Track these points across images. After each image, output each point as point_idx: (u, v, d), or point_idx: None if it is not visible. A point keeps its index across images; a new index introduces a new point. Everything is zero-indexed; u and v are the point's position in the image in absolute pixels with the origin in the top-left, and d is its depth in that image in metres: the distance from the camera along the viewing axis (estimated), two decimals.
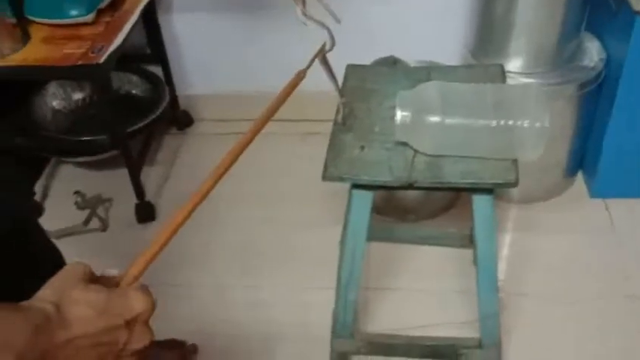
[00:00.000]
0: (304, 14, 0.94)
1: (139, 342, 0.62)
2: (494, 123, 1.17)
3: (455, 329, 1.70)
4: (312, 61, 0.90)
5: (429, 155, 1.22)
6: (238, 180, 2.24)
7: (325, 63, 1.01)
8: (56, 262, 0.93)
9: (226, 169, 0.72)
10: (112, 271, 0.65)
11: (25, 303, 0.57)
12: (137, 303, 0.61)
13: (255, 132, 0.75)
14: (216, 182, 0.70)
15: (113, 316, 0.59)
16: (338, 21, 0.95)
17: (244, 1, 2.21)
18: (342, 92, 1.16)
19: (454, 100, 1.22)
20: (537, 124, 1.16)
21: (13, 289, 0.70)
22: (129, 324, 0.61)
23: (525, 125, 1.17)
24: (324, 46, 0.96)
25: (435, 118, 1.18)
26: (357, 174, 1.21)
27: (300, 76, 0.86)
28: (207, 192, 0.69)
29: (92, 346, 0.58)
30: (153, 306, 0.62)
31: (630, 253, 1.92)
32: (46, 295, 0.58)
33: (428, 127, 1.19)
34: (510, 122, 1.17)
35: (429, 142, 1.21)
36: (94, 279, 0.62)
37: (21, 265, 0.78)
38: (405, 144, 1.23)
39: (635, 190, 2.06)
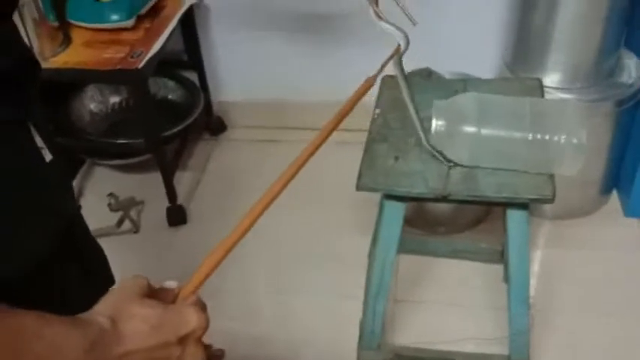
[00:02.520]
0: (378, 15, 0.90)
1: (191, 359, 0.63)
2: (530, 136, 1.16)
3: (483, 345, 1.68)
4: (385, 64, 0.86)
5: (464, 167, 1.21)
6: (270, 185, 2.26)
7: (400, 67, 0.98)
8: (102, 260, 0.95)
9: (293, 175, 0.73)
10: (171, 284, 0.66)
11: (82, 316, 0.58)
12: (191, 320, 0.62)
13: (323, 139, 0.76)
14: (283, 187, 0.71)
15: (167, 332, 0.60)
16: (415, 23, 0.91)
17: (282, 11, 2.22)
18: (412, 98, 1.11)
19: (491, 111, 1.21)
20: (575, 141, 1.15)
21: (66, 284, 0.71)
22: (182, 340, 0.61)
23: (562, 141, 1.16)
24: (398, 47, 0.91)
25: (470, 129, 1.18)
26: (391, 185, 1.21)
27: (370, 83, 0.84)
28: (267, 206, 0.71)
29: None
30: (207, 324, 0.63)
31: None
32: (102, 309, 0.59)
33: (463, 138, 1.19)
34: (547, 137, 1.16)
35: (465, 152, 1.21)
36: (151, 292, 0.63)
37: (73, 263, 0.79)
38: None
39: None
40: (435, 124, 1.20)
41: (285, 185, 0.71)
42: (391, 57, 0.90)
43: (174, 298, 0.65)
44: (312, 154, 0.74)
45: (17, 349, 0.53)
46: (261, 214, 0.69)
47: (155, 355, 0.60)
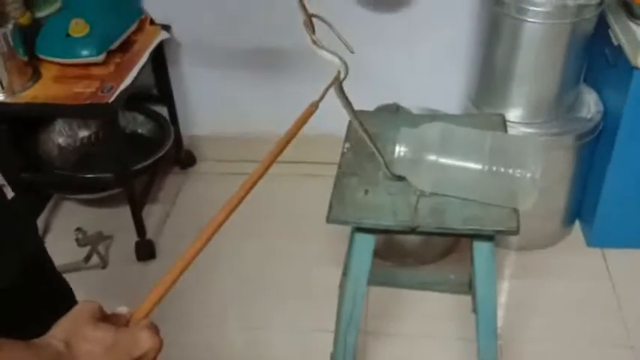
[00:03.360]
0: (315, 43, 0.92)
1: None
2: (486, 168, 1.20)
3: None
4: (326, 91, 0.87)
5: (431, 198, 1.24)
6: (240, 218, 2.26)
7: (341, 93, 1.00)
8: (67, 295, 0.95)
9: (237, 204, 0.73)
10: (122, 309, 0.67)
11: (36, 340, 0.59)
12: (144, 342, 0.63)
13: (268, 165, 0.77)
14: (226, 218, 0.72)
15: (120, 354, 0.61)
16: (352, 51, 0.93)
17: (251, 46, 2.26)
18: (360, 120, 1.13)
19: (453, 141, 1.25)
20: (528, 175, 1.19)
21: (31, 322, 0.71)
22: None
23: (517, 174, 1.19)
24: (338, 74, 0.93)
25: (431, 157, 1.22)
26: (360, 217, 1.23)
27: (313, 108, 0.85)
28: (216, 230, 0.71)
29: None
30: (160, 345, 0.64)
31: (628, 303, 1.93)
32: (56, 333, 0.60)
33: (425, 165, 1.22)
34: (502, 169, 1.19)
35: (426, 180, 1.24)
36: (104, 317, 0.64)
37: (38, 300, 0.80)
38: (408, 188, 1.26)
39: (631, 241, 2.08)
40: (398, 150, 1.23)
41: (229, 214, 0.72)
42: (332, 84, 0.92)
43: (126, 323, 0.66)
44: (256, 181, 0.76)
45: None
46: (206, 243, 0.70)
47: None
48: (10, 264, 0.76)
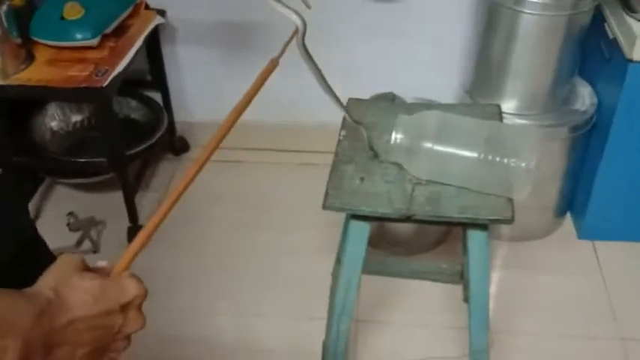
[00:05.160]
0: None
1: (133, 326, 0.66)
2: (481, 156, 1.20)
3: None
4: (285, 46, 0.88)
5: (427, 186, 1.24)
6: (233, 207, 2.27)
7: (304, 49, 1.01)
8: None
9: (207, 158, 0.75)
10: (102, 263, 0.68)
11: (26, 289, 0.61)
12: (131, 289, 0.65)
13: (232, 122, 0.78)
14: (199, 170, 0.74)
15: (109, 301, 0.63)
16: (309, 6, 0.94)
17: (245, 33, 2.25)
18: (325, 81, 1.13)
19: (450, 129, 1.25)
20: (523, 165, 1.19)
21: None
22: (123, 309, 0.64)
23: (512, 164, 1.20)
24: (296, 30, 0.93)
25: (427, 144, 1.22)
26: (357, 205, 1.23)
27: (274, 64, 0.86)
28: (192, 179, 0.73)
29: (89, 329, 0.62)
30: (145, 292, 0.66)
31: (617, 295, 1.95)
32: (45, 282, 0.62)
33: (421, 152, 1.23)
34: (497, 159, 1.20)
35: (422, 167, 1.25)
36: (87, 269, 0.65)
37: (32, 280, 0.80)
38: (404, 176, 1.26)
39: (622, 234, 2.10)
40: (395, 137, 1.24)
41: (198, 171, 0.74)
42: (290, 39, 0.93)
43: (107, 275, 0.67)
44: (220, 140, 0.77)
45: None
46: (182, 192, 0.72)
47: (99, 322, 0.63)
48: (3, 241, 0.76)
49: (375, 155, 1.30)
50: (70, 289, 0.61)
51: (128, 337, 0.67)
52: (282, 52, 0.87)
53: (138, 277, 0.66)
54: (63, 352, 0.61)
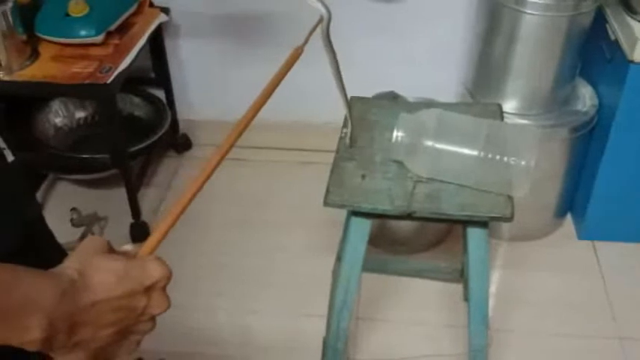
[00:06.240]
0: None
1: (157, 307, 0.65)
2: (481, 154, 1.21)
3: None
4: (310, 34, 0.87)
5: (427, 184, 1.25)
6: (233, 205, 2.28)
7: (328, 41, 1.01)
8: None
9: (230, 148, 0.74)
10: (127, 247, 0.68)
11: (51, 270, 0.61)
12: (154, 270, 0.64)
13: (255, 112, 0.78)
14: (219, 162, 0.72)
15: (132, 283, 0.63)
16: None
17: (249, 31, 2.26)
18: (340, 75, 1.14)
19: (450, 128, 1.27)
20: (522, 162, 1.20)
21: None
22: (147, 290, 0.64)
23: (511, 162, 1.21)
24: (321, 18, 0.94)
25: (428, 142, 1.23)
26: (358, 202, 1.25)
27: (298, 52, 0.85)
28: (212, 171, 0.71)
29: (113, 310, 0.62)
30: (169, 274, 0.66)
31: (617, 295, 1.96)
32: (70, 263, 0.62)
33: (421, 150, 1.24)
34: (497, 156, 1.21)
35: (423, 165, 1.26)
36: (111, 251, 0.65)
37: (39, 266, 0.81)
38: (405, 174, 1.28)
39: (622, 234, 2.10)
40: (396, 134, 1.25)
41: (218, 163, 0.72)
42: (315, 27, 0.94)
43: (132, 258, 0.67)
44: (244, 128, 0.76)
45: None
46: (208, 176, 0.71)
47: (123, 303, 0.62)
48: (12, 228, 0.76)
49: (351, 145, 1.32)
50: (94, 270, 0.61)
51: (153, 319, 0.66)
52: (307, 40, 0.86)
53: (162, 260, 0.66)
54: (86, 333, 0.61)
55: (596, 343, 1.83)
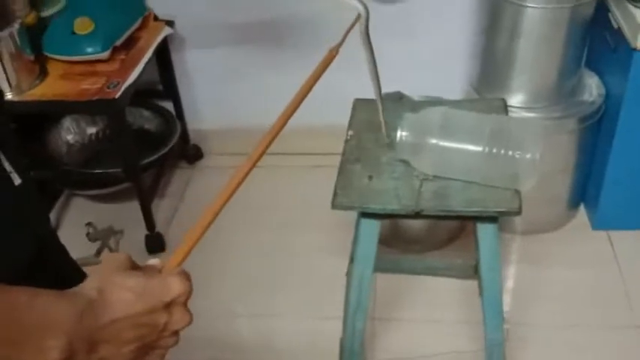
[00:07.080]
0: None
1: (179, 323, 0.65)
2: (486, 150, 1.22)
3: (460, 359, 1.72)
4: (346, 34, 0.86)
5: (434, 182, 1.26)
6: (247, 209, 2.29)
7: (367, 38, 1.00)
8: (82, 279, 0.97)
9: (259, 157, 0.73)
10: (154, 261, 0.68)
11: (69, 290, 0.61)
12: (174, 286, 0.64)
13: (289, 114, 0.77)
14: (247, 174, 0.72)
15: (152, 299, 0.63)
16: None
17: (255, 39, 2.28)
18: (376, 69, 1.13)
19: (454, 125, 1.27)
20: (528, 156, 1.20)
21: None
22: (168, 306, 0.64)
23: (517, 156, 1.21)
24: (358, 17, 0.93)
25: (432, 140, 1.24)
26: (366, 203, 1.25)
27: (332, 53, 0.83)
28: (238, 186, 0.71)
29: (133, 327, 0.62)
30: (190, 289, 0.65)
31: (634, 285, 1.95)
32: (90, 282, 0.62)
33: (426, 148, 1.24)
34: (502, 151, 1.21)
35: (428, 162, 1.26)
36: (134, 267, 0.65)
37: (53, 283, 0.82)
38: (411, 173, 1.28)
39: (636, 222, 2.09)
40: (400, 134, 1.26)
41: (246, 174, 0.72)
42: (352, 26, 0.93)
43: (158, 273, 0.67)
44: (278, 131, 0.76)
45: (11, 318, 0.57)
46: (233, 192, 0.71)
47: (143, 320, 0.62)
48: (22, 248, 0.77)
49: (392, 145, 1.32)
50: (114, 288, 0.61)
51: (176, 334, 0.66)
52: (342, 40, 0.85)
53: (185, 274, 0.66)
54: (107, 350, 0.61)
55: (615, 333, 1.82)
